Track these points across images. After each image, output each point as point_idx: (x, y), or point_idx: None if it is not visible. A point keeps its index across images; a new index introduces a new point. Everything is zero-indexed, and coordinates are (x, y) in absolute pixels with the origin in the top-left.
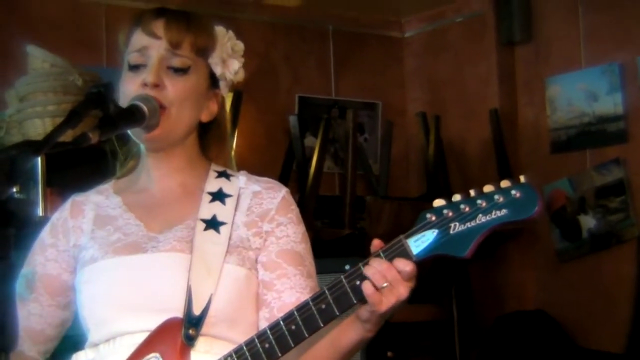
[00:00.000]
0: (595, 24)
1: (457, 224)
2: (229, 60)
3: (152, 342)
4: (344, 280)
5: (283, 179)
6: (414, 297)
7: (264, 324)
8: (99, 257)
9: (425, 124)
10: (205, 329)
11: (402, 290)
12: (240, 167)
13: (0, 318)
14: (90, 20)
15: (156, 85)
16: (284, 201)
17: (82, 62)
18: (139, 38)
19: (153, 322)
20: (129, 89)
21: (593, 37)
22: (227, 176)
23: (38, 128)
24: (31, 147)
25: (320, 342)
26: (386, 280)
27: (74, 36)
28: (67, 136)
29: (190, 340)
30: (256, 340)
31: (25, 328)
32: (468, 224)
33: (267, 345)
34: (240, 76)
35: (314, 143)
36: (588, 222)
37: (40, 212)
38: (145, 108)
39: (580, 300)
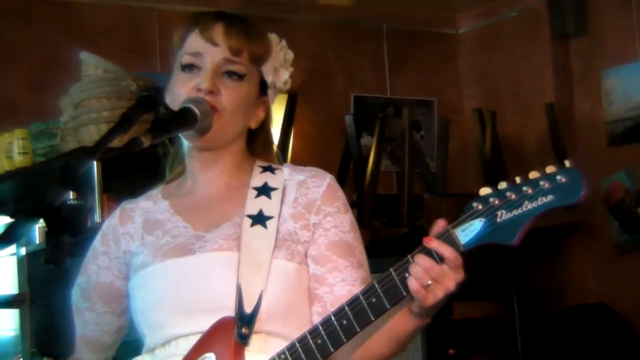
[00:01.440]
0: None
1: (504, 211)
2: (281, 69)
3: (205, 342)
4: (393, 273)
5: (340, 179)
6: (475, 294)
7: (317, 319)
8: (149, 262)
9: (481, 120)
10: (258, 326)
11: (448, 284)
12: None
13: (56, 325)
14: (143, 27)
15: (211, 92)
16: (329, 189)
17: (136, 68)
18: (196, 41)
19: (206, 323)
20: (180, 91)
21: None
22: (271, 170)
23: (93, 134)
24: (84, 152)
25: (376, 335)
26: (430, 277)
27: (127, 43)
28: (121, 141)
29: (243, 339)
30: (308, 336)
31: (81, 336)
32: (515, 212)
33: (319, 341)
34: (288, 85)
35: (371, 142)
36: None
37: (97, 218)
38: (197, 111)
39: None
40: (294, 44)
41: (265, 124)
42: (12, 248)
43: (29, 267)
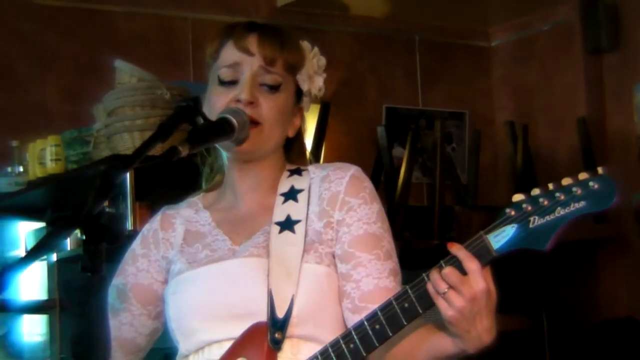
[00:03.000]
0: None
1: (537, 217)
2: (315, 76)
3: (238, 348)
4: (425, 278)
5: None
6: (504, 307)
7: (347, 315)
8: (184, 270)
9: (513, 133)
10: (290, 330)
11: (466, 293)
12: None
13: (93, 332)
14: (176, 35)
15: (250, 103)
16: (353, 179)
17: (169, 77)
18: (231, 53)
19: (239, 329)
20: (219, 104)
21: None
22: (299, 172)
23: (126, 142)
24: (121, 161)
25: (418, 347)
26: (448, 284)
27: (160, 51)
28: (157, 150)
29: (276, 344)
30: (341, 341)
31: (116, 337)
32: (547, 217)
33: (351, 346)
34: (322, 92)
35: (402, 154)
36: None
37: (129, 226)
38: (235, 121)
39: None
40: (327, 54)
41: (299, 132)
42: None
43: (59, 274)
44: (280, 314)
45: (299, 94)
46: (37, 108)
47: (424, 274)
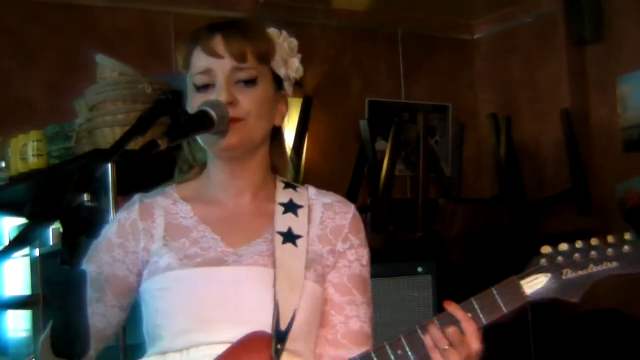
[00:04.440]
0: None
1: (569, 270)
2: (290, 60)
3: (237, 353)
4: (419, 330)
5: (355, 183)
6: None
7: (324, 345)
8: (176, 267)
9: (496, 126)
10: (287, 344)
11: (463, 352)
12: (312, 173)
13: (72, 327)
14: (159, 30)
15: (230, 104)
16: (356, 219)
17: (152, 71)
18: (201, 59)
19: (233, 335)
20: None
21: None
22: (293, 187)
23: (108, 137)
24: (100, 155)
25: None
26: (448, 342)
27: (143, 46)
28: (137, 144)
29: (277, 356)
30: None
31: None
32: (580, 272)
33: None
34: (301, 72)
35: (385, 147)
36: None
37: (110, 220)
38: (214, 114)
39: None
40: (310, 48)
41: (280, 130)
42: (26, 250)
43: (42, 269)
44: (282, 326)
45: (278, 81)
46: (20, 103)
47: (416, 325)
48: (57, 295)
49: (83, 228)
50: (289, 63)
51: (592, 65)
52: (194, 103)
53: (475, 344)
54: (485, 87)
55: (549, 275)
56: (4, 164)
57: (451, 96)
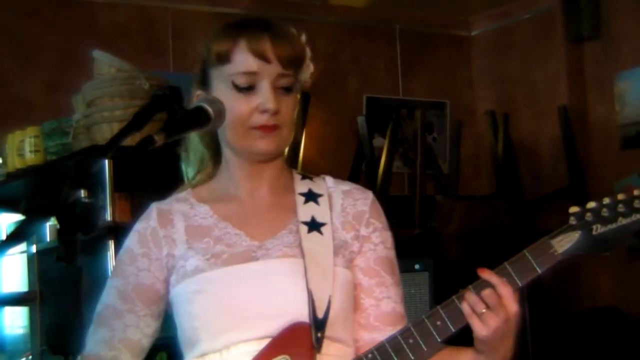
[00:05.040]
0: None
1: (600, 226)
2: (310, 65)
3: (279, 345)
4: (455, 300)
5: (352, 180)
6: None
7: (357, 329)
8: (206, 268)
9: (494, 123)
10: (327, 331)
11: (501, 314)
12: (309, 169)
13: (67, 323)
14: (156, 26)
15: (277, 112)
16: (375, 204)
17: (149, 67)
18: (247, 59)
19: (271, 329)
20: (241, 111)
21: None
22: (310, 178)
23: (105, 133)
24: (97, 151)
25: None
26: (485, 305)
27: (140, 42)
28: (134, 140)
29: (318, 344)
30: (375, 352)
31: (122, 340)
32: (610, 226)
33: (411, 341)
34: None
35: (383, 143)
36: None
37: (108, 216)
38: (210, 110)
39: None
40: (308, 44)
41: None
42: (23, 246)
43: (39, 265)
44: (319, 314)
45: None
46: (18, 99)
47: (453, 297)
48: (53, 291)
49: (79, 224)
50: (309, 68)
51: (590, 62)
52: (231, 101)
53: (512, 305)
54: (482, 84)
55: (579, 232)
56: (0, 160)
57: (449, 93)
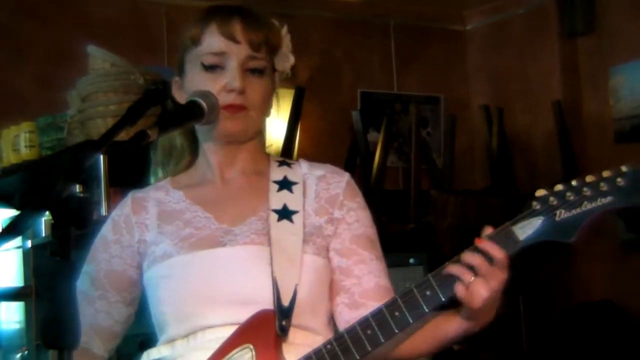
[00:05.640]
0: None
1: (563, 211)
2: (289, 55)
3: (243, 333)
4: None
5: None
6: None
7: (343, 310)
8: (174, 253)
9: (488, 117)
10: (293, 319)
11: (493, 282)
12: None
13: (61, 317)
14: (150, 21)
15: (242, 91)
16: (350, 185)
17: (143, 62)
18: (217, 40)
19: (237, 315)
20: (208, 90)
21: None
22: (287, 164)
23: (100, 128)
24: (91, 145)
25: (420, 331)
26: (477, 273)
27: (134, 37)
28: (128, 134)
29: (283, 332)
30: (357, 327)
31: (93, 326)
32: (574, 211)
33: (369, 332)
34: (289, 67)
35: (377, 138)
36: None
37: (103, 211)
38: (204, 104)
39: None
40: (302, 39)
41: None
42: (18, 241)
43: (34, 260)
44: (285, 302)
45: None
46: (12, 94)
47: (445, 265)
48: (46, 285)
49: (73, 219)
50: (288, 58)
51: (584, 57)
52: (199, 80)
53: (505, 271)
54: (477, 79)
55: (542, 218)
56: None
57: (443, 87)
